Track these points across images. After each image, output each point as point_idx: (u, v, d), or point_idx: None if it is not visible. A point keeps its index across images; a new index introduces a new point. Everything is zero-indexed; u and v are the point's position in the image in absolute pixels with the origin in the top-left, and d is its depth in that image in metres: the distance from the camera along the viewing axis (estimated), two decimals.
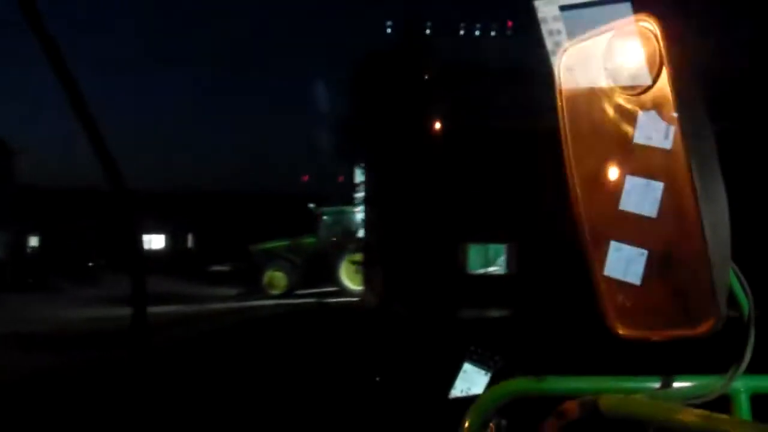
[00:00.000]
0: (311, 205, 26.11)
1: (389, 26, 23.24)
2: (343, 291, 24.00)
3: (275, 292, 24.53)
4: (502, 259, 22.37)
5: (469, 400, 1.38)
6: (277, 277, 24.77)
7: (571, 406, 1.23)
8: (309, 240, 25.06)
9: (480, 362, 1.81)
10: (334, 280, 24.13)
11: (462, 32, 23.35)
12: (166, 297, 21.18)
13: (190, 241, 39.70)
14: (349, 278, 24.39)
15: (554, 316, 16.64)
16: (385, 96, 21.58)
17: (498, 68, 22.10)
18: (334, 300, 23.39)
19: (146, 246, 37.47)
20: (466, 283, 20.77)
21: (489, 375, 1.76)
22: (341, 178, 29.07)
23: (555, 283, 19.67)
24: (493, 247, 22.43)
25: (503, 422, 1.37)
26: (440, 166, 20.41)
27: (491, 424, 1.39)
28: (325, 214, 25.41)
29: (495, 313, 18.48)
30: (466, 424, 1.33)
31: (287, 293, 24.48)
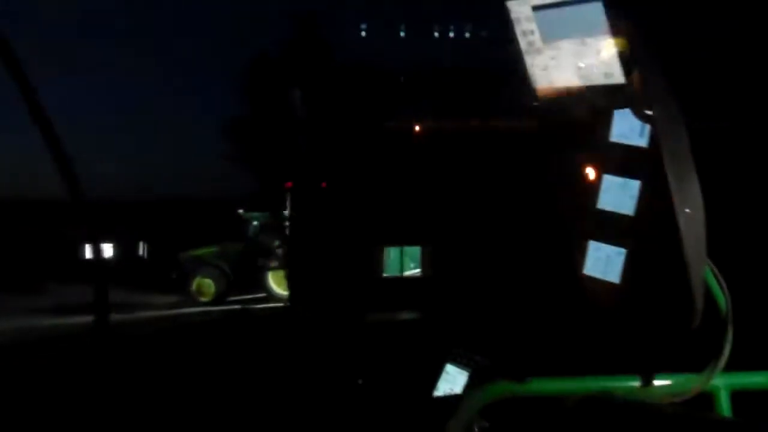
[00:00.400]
0: (240, 211, 25.93)
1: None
2: (272, 297, 23.80)
3: (204, 299, 24.26)
4: (417, 262, 22.47)
5: (451, 400, 1.38)
6: (205, 284, 24.55)
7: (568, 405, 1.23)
8: (237, 246, 24.91)
9: (461, 363, 1.81)
10: (263, 286, 23.94)
11: (436, 34, 23.34)
12: (71, 307, 21.10)
13: (141, 249, 39.23)
14: (277, 284, 24.14)
15: (467, 316, 16.65)
16: (281, 98, 21.58)
17: (408, 69, 22.27)
18: (261, 306, 23.19)
19: (90, 255, 37.16)
20: (381, 286, 20.73)
21: (469, 375, 1.76)
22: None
23: (470, 284, 19.83)
24: (408, 250, 22.52)
25: (485, 424, 1.36)
26: (353, 169, 20.39)
27: (474, 425, 1.38)
28: (254, 220, 25.21)
29: (408, 315, 18.46)
30: (451, 427, 1.33)
31: (216, 300, 24.30)
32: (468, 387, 1.76)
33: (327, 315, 18.53)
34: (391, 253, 22.24)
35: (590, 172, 1.22)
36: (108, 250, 36.80)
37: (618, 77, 1.06)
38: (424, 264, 22.25)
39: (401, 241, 21.85)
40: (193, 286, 24.63)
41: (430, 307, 19.08)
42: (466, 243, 20.17)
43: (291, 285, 22.76)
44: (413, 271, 22.61)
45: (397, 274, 22.32)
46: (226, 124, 23.42)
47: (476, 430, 1.38)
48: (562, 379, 1.35)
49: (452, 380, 1.85)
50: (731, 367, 1.20)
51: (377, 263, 21.41)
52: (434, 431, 1.34)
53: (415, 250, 22.36)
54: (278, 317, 20.68)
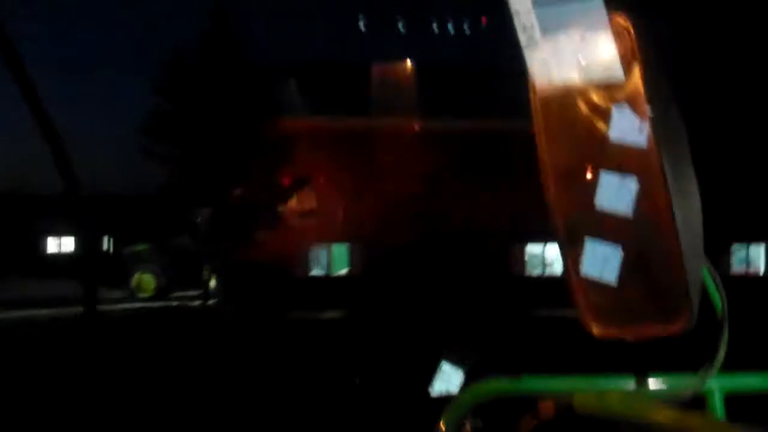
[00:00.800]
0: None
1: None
2: (210, 293, 23.77)
3: (144, 295, 24.27)
4: (345, 260, 22.50)
5: (448, 400, 1.38)
6: (145, 280, 24.52)
7: (547, 406, 1.23)
8: (179, 241, 24.80)
9: (457, 361, 1.80)
10: (203, 282, 23.89)
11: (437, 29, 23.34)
12: (35, 300, 21.00)
13: (106, 243, 39.04)
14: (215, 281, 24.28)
15: (397, 315, 16.66)
16: (205, 94, 21.44)
17: (328, 65, 22.26)
18: (197, 303, 23.08)
19: (54, 249, 37.18)
20: (308, 284, 20.70)
21: (465, 372, 1.76)
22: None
23: (400, 283, 19.88)
24: (337, 248, 22.53)
25: (479, 422, 1.36)
26: (275, 167, 20.32)
27: (467, 425, 1.38)
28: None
29: (335, 314, 18.44)
30: (442, 425, 1.32)
31: (157, 296, 24.20)
32: (462, 385, 1.76)
33: (251, 313, 18.48)
34: (318, 252, 22.25)
35: (588, 171, 1.22)
36: (70, 243, 36.55)
37: (618, 74, 1.06)
38: (354, 262, 22.28)
39: (329, 240, 21.82)
40: (133, 282, 24.53)
41: (357, 306, 19.11)
42: (399, 241, 20.25)
43: (218, 283, 22.66)
44: (340, 268, 22.63)
45: (324, 272, 22.32)
46: (146, 119, 23.08)
47: (469, 428, 1.38)
48: (556, 377, 1.35)
49: (448, 379, 1.85)
50: (726, 368, 1.20)
51: (303, 262, 21.38)
52: (428, 430, 1.33)
53: (342, 248, 22.39)
54: (211, 315, 20.56)
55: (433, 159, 21.26)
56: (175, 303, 22.92)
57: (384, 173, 21.45)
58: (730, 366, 1.21)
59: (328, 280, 22.15)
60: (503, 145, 21.21)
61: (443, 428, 1.29)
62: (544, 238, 22.19)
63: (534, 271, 23.33)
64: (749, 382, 1.29)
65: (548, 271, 23.18)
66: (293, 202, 21.69)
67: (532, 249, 23.20)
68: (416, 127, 22.47)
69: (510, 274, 22.68)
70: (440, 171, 21.28)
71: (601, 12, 1.04)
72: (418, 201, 20.61)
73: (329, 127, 21.89)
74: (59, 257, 35.25)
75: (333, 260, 22.79)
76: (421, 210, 20.55)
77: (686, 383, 1.21)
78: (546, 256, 23.20)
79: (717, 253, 20.77)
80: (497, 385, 1.36)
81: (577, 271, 1.25)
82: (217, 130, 21.17)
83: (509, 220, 21.17)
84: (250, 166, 20.88)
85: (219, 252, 21.79)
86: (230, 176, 21.34)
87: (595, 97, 1.12)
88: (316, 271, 22.26)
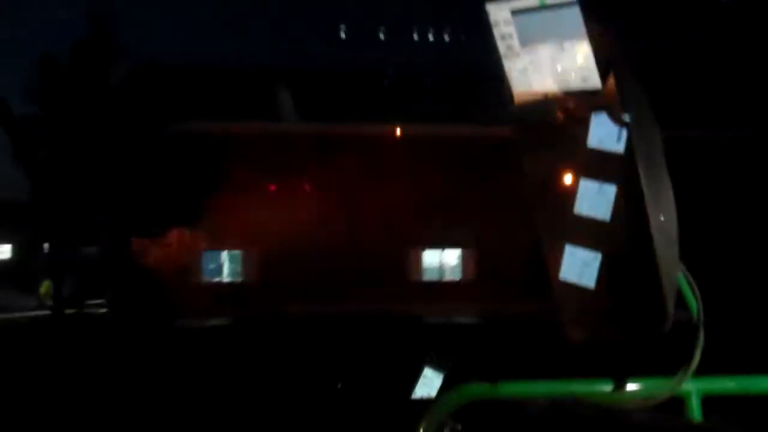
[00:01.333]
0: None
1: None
2: (109, 300, 23.44)
3: (50, 302, 24.01)
4: (238, 266, 22.41)
5: (427, 403, 1.38)
6: (51, 288, 24.25)
7: (529, 408, 1.24)
8: (87, 249, 24.51)
9: (438, 366, 1.81)
10: (105, 289, 23.60)
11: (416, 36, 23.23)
12: None
13: (45, 250, 38.33)
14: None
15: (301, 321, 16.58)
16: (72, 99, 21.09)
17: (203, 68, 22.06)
18: (102, 310, 22.81)
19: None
20: (197, 290, 20.48)
21: (444, 377, 1.77)
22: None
23: (293, 289, 19.83)
24: (229, 254, 22.41)
25: (458, 426, 1.37)
26: (165, 173, 20.04)
27: (447, 428, 1.38)
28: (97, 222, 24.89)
29: (222, 321, 18.35)
30: (421, 429, 1.33)
31: (67, 303, 23.92)
32: (442, 388, 1.77)
33: (139, 320, 18.17)
34: (211, 257, 22.03)
35: (567, 177, 1.23)
36: (5, 251, 36.00)
37: (595, 82, 1.07)
38: (246, 268, 22.05)
39: (222, 247, 21.59)
40: (42, 289, 24.18)
41: (246, 313, 18.92)
42: (292, 248, 20.13)
43: (113, 290, 22.21)
44: (232, 275, 22.43)
45: (215, 278, 22.13)
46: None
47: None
48: (534, 382, 1.36)
49: (429, 383, 1.86)
50: (702, 371, 1.21)
51: (195, 267, 21.12)
52: None
53: (235, 255, 22.20)
54: (106, 322, 20.21)
55: (325, 165, 20.90)
56: (75, 311, 22.53)
57: (276, 180, 21.09)
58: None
59: (221, 287, 21.87)
60: (399, 149, 21.22)
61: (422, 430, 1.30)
62: (440, 244, 22.12)
63: (430, 276, 22.68)
64: (725, 385, 1.31)
65: (445, 277, 22.64)
66: (185, 209, 21.33)
67: (429, 255, 22.60)
68: (307, 132, 21.98)
69: (405, 279, 22.19)
70: (332, 176, 20.94)
71: (578, 22, 1.05)
72: (312, 207, 20.28)
73: (218, 132, 21.43)
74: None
75: (226, 267, 22.56)
76: (314, 216, 20.22)
77: (663, 386, 1.23)
78: (443, 262, 22.65)
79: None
80: (475, 389, 1.37)
81: (557, 276, 1.27)
82: (96, 136, 20.60)
83: (405, 226, 20.97)
84: (138, 172, 20.37)
85: (116, 258, 21.46)
86: (118, 184, 20.83)
87: (573, 105, 1.14)
88: (207, 278, 21.95)
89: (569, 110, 1.15)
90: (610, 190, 1.18)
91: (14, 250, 36.24)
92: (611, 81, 1.06)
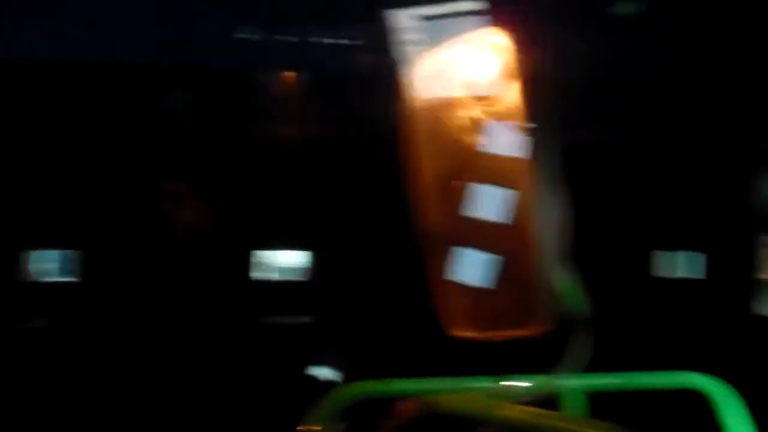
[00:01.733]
0: None
1: None
2: None
3: None
4: (70, 266, 22.13)
5: (313, 402, 1.37)
6: None
7: (406, 406, 1.25)
8: None
9: (330, 366, 1.81)
10: None
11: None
12: None
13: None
14: None
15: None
16: None
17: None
18: None
19: None
20: (33, 291, 19.96)
21: (336, 377, 1.77)
22: None
23: (125, 290, 19.72)
24: (63, 254, 22.06)
25: (346, 424, 1.37)
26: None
27: (331, 428, 1.38)
28: None
29: (42, 322, 18.12)
30: (305, 425, 1.32)
31: None
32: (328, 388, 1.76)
33: None
34: (39, 257, 21.36)
35: (460, 180, 1.26)
36: None
37: (498, 89, 1.11)
38: (77, 269, 21.47)
39: (45, 246, 20.86)
40: None
41: (72, 314, 18.55)
42: (122, 247, 19.78)
43: None
44: (65, 275, 21.75)
45: (51, 279, 21.45)
46: None
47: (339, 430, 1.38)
48: (419, 380, 1.38)
49: (316, 381, 1.85)
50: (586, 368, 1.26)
51: (22, 267, 20.34)
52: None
53: (65, 255, 21.65)
54: None
55: (159, 163, 20.27)
56: None
57: (106, 175, 20.27)
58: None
59: (40, 287, 20.96)
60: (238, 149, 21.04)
61: (311, 428, 1.29)
62: (276, 243, 21.95)
63: (268, 276, 22.38)
64: (605, 381, 1.38)
65: (281, 277, 22.42)
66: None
67: (266, 254, 22.28)
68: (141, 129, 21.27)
69: (243, 279, 21.90)
70: (168, 175, 20.34)
71: (481, 30, 1.08)
72: (145, 205, 19.54)
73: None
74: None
75: (48, 267, 21.68)
76: (147, 214, 19.47)
77: (544, 384, 1.27)
78: (279, 262, 22.42)
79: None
80: (363, 387, 1.37)
81: (439, 276, 1.29)
82: None
83: (244, 225, 20.75)
84: None
85: None
86: None
87: (471, 110, 1.17)
88: (30, 278, 20.93)
89: (467, 115, 1.18)
90: (502, 194, 1.21)
91: None
92: (513, 88, 1.10)
